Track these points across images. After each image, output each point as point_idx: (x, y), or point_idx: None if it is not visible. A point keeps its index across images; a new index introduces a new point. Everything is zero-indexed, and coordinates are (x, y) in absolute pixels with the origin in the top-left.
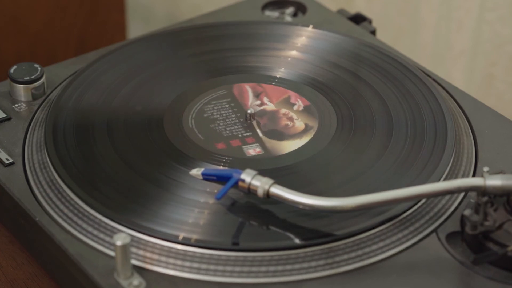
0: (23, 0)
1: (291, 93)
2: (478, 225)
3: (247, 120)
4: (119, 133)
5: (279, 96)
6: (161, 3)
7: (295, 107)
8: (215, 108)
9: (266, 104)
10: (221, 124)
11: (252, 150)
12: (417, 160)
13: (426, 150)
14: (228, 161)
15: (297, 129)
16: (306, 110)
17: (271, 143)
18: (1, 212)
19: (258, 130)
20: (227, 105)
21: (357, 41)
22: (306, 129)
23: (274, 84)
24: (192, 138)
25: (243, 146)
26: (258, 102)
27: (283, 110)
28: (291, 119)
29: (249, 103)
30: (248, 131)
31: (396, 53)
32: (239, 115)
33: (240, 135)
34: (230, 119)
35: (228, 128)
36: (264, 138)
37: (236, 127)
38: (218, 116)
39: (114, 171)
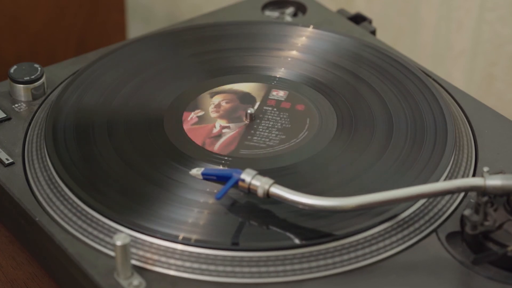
0: (23, 0)
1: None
2: (478, 225)
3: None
4: (119, 133)
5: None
6: (161, 3)
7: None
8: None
9: (268, 105)
10: (221, 123)
11: (248, 150)
12: (417, 160)
13: (426, 150)
14: (228, 161)
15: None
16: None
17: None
18: (1, 212)
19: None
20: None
21: (357, 41)
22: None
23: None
24: (192, 138)
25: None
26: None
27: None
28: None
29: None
30: (247, 131)
31: (396, 53)
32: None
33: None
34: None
35: (244, 133)
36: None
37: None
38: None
39: (114, 171)
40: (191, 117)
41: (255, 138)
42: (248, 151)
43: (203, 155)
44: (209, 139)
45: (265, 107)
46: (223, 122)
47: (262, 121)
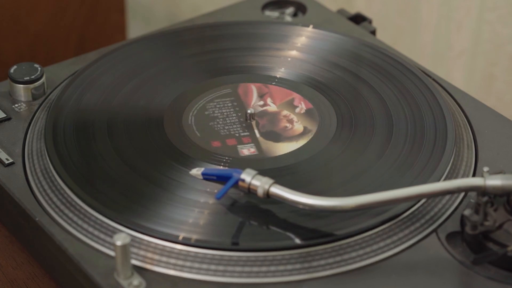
0: (23, 0)
1: (296, 95)
2: (478, 225)
3: (247, 120)
4: (119, 133)
5: (283, 98)
6: (161, 3)
7: (297, 110)
8: (217, 106)
9: (269, 105)
10: (220, 122)
11: (247, 150)
12: (417, 160)
13: (426, 150)
14: (228, 161)
15: (295, 131)
16: (308, 113)
17: (267, 144)
18: (1, 212)
19: (256, 131)
20: (229, 104)
21: (357, 41)
22: (304, 132)
23: (278, 85)
24: (192, 138)
25: (238, 146)
26: (261, 102)
27: (284, 112)
28: (291, 121)
29: (252, 103)
30: (246, 131)
31: (396, 53)
32: (239, 114)
33: (237, 134)
34: (230, 118)
35: (226, 127)
36: (261, 139)
37: (234, 126)
38: (219, 114)
39: (114, 171)
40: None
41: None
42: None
43: (203, 155)
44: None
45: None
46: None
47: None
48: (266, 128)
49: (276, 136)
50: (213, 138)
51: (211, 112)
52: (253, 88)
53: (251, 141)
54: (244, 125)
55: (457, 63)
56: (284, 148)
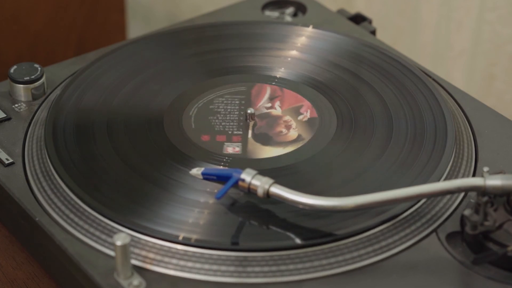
0: (23, 0)
1: (306, 103)
2: (478, 225)
3: (246, 120)
4: (119, 133)
5: (292, 104)
6: (161, 3)
7: (300, 117)
8: (225, 102)
9: (275, 109)
10: (219, 117)
11: (231, 149)
12: (417, 160)
13: (426, 150)
14: (228, 161)
15: (287, 138)
16: (309, 122)
17: (254, 146)
18: (1, 212)
19: (249, 131)
20: (237, 101)
21: (357, 41)
22: (296, 140)
23: (290, 89)
24: (192, 138)
25: (226, 143)
26: (269, 104)
27: (286, 118)
28: (288, 127)
29: (260, 104)
30: (240, 130)
31: (396, 53)
32: (242, 113)
33: (230, 132)
34: (231, 115)
35: (223, 123)
36: (250, 140)
37: (231, 123)
38: (222, 110)
39: (114, 171)
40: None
41: (242, 137)
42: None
43: (203, 155)
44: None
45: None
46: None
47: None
48: (261, 130)
49: (267, 140)
50: (205, 132)
51: (216, 106)
52: (268, 90)
53: (240, 140)
54: (241, 124)
55: (457, 63)
56: (268, 152)
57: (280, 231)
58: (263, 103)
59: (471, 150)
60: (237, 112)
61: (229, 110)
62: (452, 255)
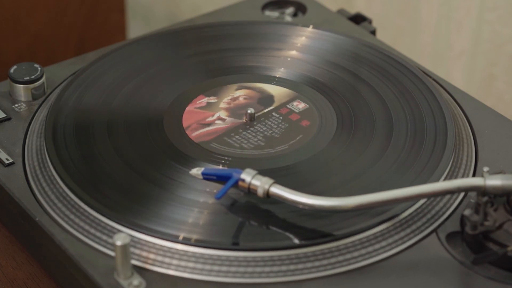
0: (23, 0)
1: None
2: (478, 225)
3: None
4: (119, 133)
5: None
6: (161, 3)
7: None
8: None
9: (263, 106)
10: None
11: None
12: (417, 160)
13: (426, 150)
14: (228, 160)
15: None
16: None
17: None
18: (1, 212)
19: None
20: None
21: (357, 41)
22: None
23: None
24: (192, 138)
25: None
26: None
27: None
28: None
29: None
30: (252, 131)
31: (396, 53)
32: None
33: (224, 130)
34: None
35: (231, 130)
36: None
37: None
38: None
39: (114, 171)
40: (202, 101)
41: (237, 137)
42: (219, 146)
43: (203, 155)
44: (197, 124)
45: (274, 113)
46: (223, 114)
47: (258, 124)
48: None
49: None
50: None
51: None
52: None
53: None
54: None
55: (457, 63)
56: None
57: (280, 231)
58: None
59: (471, 150)
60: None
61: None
62: (452, 255)
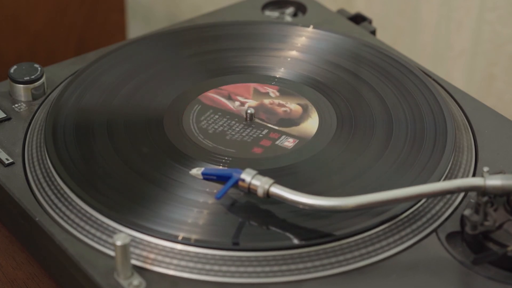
0: (23, 0)
1: (254, 85)
2: (478, 225)
3: (252, 120)
4: (119, 133)
5: (247, 91)
6: (161, 3)
7: (272, 94)
8: (209, 122)
9: (247, 102)
10: (229, 133)
11: (288, 142)
12: (417, 160)
13: (426, 150)
14: (228, 161)
15: (298, 111)
16: (283, 93)
17: (294, 131)
18: (1, 212)
19: (269, 125)
20: (216, 116)
21: (357, 41)
22: (304, 108)
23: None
24: (192, 138)
25: (276, 143)
26: (238, 103)
27: (267, 101)
28: (281, 105)
29: (233, 106)
30: (262, 129)
31: (396, 53)
32: (236, 119)
33: (261, 135)
34: (235, 126)
35: (242, 135)
36: (284, 129)
37: (248, 130)
38: (220, 127)
39: (114, 171)
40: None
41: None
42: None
43: (203, 155)
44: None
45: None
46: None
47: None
48: (273, 119)
49: (290, 121)
50: (247, 147)
51: (212, 127)
52: (215, 95)
53: (280, 135)
54: (253, 125)
55: (457, 63)
56: (308, 126)
57: (280, 231)
58: (234, 104)
59: (471, 150)
60: (232, 121)
61: (224, 125)
62: (452, 255)
